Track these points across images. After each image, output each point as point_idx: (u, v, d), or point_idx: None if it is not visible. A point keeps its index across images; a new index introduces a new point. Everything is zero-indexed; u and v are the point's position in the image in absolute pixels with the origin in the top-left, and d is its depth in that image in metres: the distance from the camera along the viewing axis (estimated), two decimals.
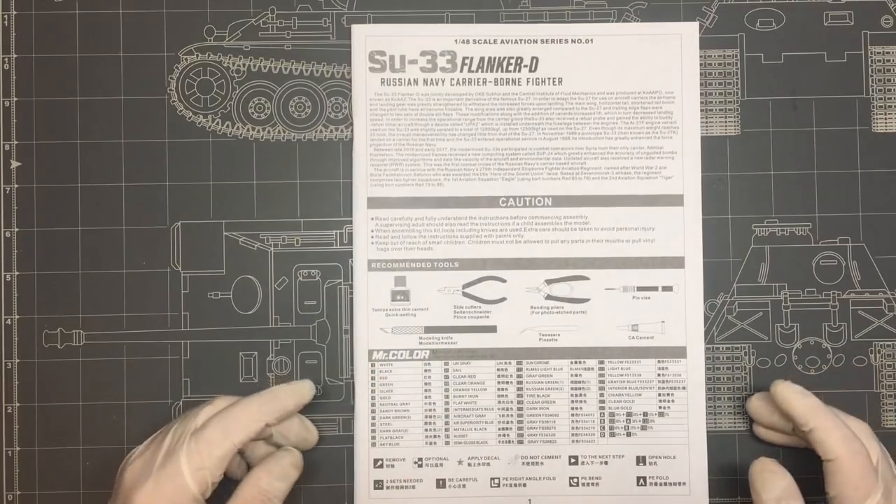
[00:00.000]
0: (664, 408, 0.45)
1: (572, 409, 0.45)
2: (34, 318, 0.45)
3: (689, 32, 0.46)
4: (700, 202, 0.46)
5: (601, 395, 0.45)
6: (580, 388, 0.45)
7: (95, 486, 0.45)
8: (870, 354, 0.46)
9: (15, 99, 0.46)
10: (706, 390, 0.45)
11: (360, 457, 0.45)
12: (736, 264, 0.46)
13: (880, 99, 0.46)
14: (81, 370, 0.45)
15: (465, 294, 0.45)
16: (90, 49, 0.46)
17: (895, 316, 0.46)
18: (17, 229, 0.45)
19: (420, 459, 0.45)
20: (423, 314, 0.45)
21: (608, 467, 0.45)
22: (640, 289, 0.45)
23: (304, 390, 0.42)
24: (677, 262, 0.45)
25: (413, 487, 0.45)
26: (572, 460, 0.45)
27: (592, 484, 0.45)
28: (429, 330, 0.45)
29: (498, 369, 0.45)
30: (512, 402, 0.45)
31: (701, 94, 0.46)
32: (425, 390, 0.45)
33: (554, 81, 0.46)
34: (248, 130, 0.46)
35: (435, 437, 0.45)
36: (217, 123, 0.46)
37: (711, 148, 0.46)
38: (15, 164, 0.46)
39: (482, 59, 0.46)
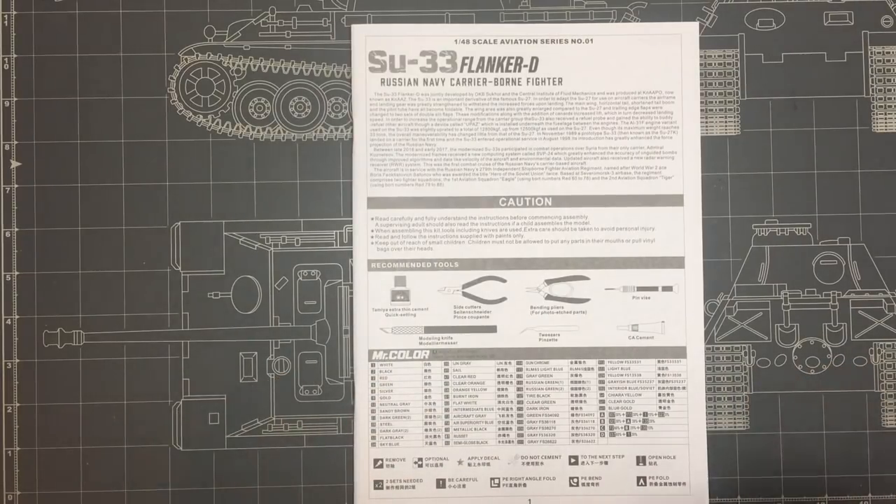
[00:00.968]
0: (664, 408, 0.45)
1: (572, 409, 0.45)
2: (34, 318, 0.45)
3: (689, 32, 0.46)
4: (700, 202, 0.46)
5: (601, 395, 0.45)
6: (580, 388, 0.45)
7: (95, 486, 0.45)
8: (870, 354, 0.46)
9: (15, 99, 0.46)
10: (706, 390, 0.45)
11: (360, 457, 0.45)
12: (736, 264, 0.46)
13: (880, 99, 0.46)
14: (81, 370, 0.45)
15: (465, 294, 0.45)
16: (90, 49, 0.46)
17: (895, 316, 0.46)
18: (17, 229, 0.45)
19: (420, 459, 0.45)
20: (423, 314, 0.45)
21: (608, 467, 0.45)
22: (640, 289, 0.45)
23: None
24: (677, 262, 0.45)
25: (413, 487, 0.45)
26: (572, 460, 0.45)
27: (592, 484, 0.45)
28: (429, 330, 0.45)
29: (498, 369, 0.45)
30: (512, 402, 0.45)
31: (701, 94, 0.46)
32: (425, 390, 0.45)
33: (554, 81, 0.46)
34: (247, 130, 0.46)
35: (435, 437, 0.45)
36: (217, 123, 0.46)
37: (711, 148, 0.46)
38: (15, 164, 0.46)
39: (482, 59, 0.46)
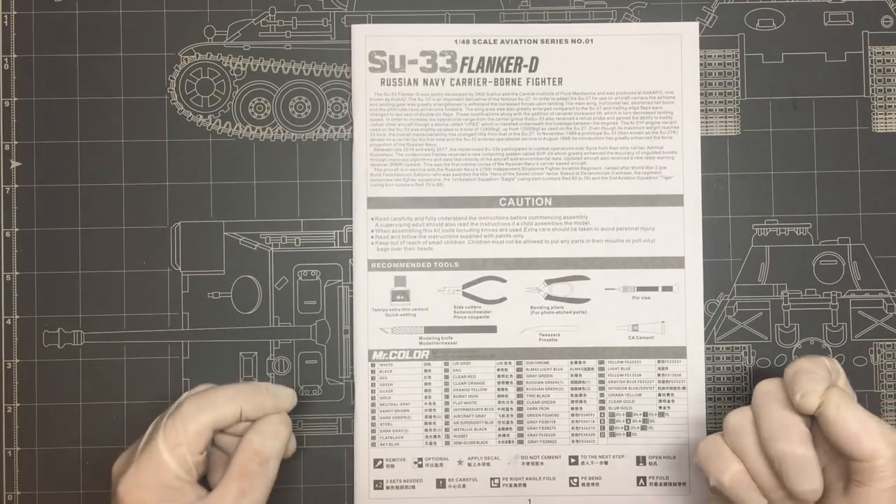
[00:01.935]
0: (664, 408, 0.45)
1: (572, 409, 0.45)
2: (34, 318, 0.45)
3: (689, 32, 0.46)
4: (700, 202, 0.46)
5: (601, 395, 0.45)
6: (580, 388, 0.45)
7: (95, 486, 0.45)
8: (870, 354, 0.46)
9: (15, 99, 0.46)
10: (706, 390, 0.45)
11: (360, 457, 0.45)
12: (736, 264, 0.46)
13: (880, 99, 0.46)
14: (81, 370, 0.45)
15: (465, 294, 0.45)
16: (90, 49, 0.46)
17: (895, 316, 0.46)
18: (17, 229, 0.45)
19: (420, 459, 0.45)
20: (423, 314, 0.45)
21: (608, 467, 0.45)
22: (640, 289, 0.45)
23: (283, 394, 0.42)
24: (677, 262, 0.45)
25: (413, 487, 0.45)
26: (572, 460, 0.45)
27: (592, 484, 0.45)
28: (429, 330, 0.45)
29: (498, 369, 0.45)
30: (512, 402, 0.45)
31: (701, 94, 0.46)
32: (425, 390, 0.45)
33: (554, 81, 0.46)
34: (247, 130, 0.46)
35: (435, 437, 0.45)
36: (217, 123, 0.46)
37: (711, 148, 0.46)
38: (15, 164, 0.46)
39: (482, 59, 0.46)
